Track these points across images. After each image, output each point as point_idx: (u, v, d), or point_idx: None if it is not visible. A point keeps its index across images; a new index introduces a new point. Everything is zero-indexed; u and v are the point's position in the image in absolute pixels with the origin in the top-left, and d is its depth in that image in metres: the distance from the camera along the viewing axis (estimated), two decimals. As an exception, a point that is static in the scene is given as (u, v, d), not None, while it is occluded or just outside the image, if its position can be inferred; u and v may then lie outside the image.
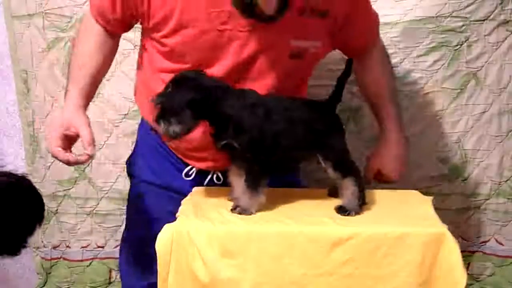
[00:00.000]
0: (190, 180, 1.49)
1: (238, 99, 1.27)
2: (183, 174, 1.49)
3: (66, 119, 1.36)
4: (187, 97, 1.21)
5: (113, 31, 1.45)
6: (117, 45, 1.49)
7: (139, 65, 1.51)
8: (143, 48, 1.46)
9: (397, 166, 1.55)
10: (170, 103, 1.22)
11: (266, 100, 1.30)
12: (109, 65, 1.48)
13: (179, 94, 1.22)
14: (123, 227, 1.98)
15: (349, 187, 1.30)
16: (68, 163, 1.34)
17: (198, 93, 1.22)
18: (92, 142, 1.33)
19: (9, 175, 1.28)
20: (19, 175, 1.30)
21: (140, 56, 1.49)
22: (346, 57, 1.43)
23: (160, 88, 1.26)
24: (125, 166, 1.64)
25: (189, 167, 1.49)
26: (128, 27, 1.45)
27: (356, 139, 1.81)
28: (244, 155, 1.27)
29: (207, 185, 1.47)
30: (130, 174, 1.62)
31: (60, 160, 1.34)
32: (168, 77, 1.28)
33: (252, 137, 1.25)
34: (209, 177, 1.48)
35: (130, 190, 1.62)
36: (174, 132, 1.22)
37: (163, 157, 1.52)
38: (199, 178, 1.48)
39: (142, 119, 1.58)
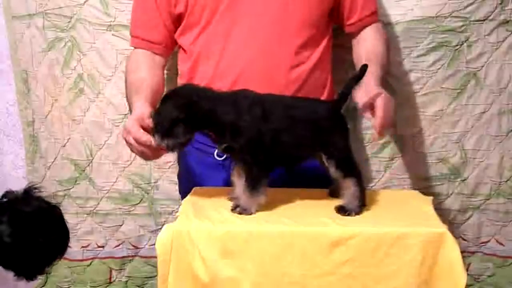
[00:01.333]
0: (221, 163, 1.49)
1: (231, 104, 1.28)
2: (215, 154, 1.49)
3: (138, 113, 1.38)
4: (173, 115, 1.24)
5: (159, 50, 1.57)
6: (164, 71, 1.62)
7: (180, 57, 1.60)
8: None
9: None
10: (162, 120, 1.26)
11: (265, 99, 1.30)
12: (164, 89, 1.58)
13: (167, 112, 1.26)
14: (123, 226, 1.99)
15: (350, 187, 1.30)
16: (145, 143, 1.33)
17: (184, 112, 1.25)
18: None
19: (42, 200, 1.25)
20: (52, 203, 1.28)
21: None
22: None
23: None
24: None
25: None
26: (170, 37, 1.56)
27: (355, 139, 1.81)
28: (244, 156, 1.28)
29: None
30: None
31: (142, 143, 1.33)
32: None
33: (250, 137, 1.26)
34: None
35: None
36: (167, 146, 1.27)
37: (196, 150, 1.55)
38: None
39: None
